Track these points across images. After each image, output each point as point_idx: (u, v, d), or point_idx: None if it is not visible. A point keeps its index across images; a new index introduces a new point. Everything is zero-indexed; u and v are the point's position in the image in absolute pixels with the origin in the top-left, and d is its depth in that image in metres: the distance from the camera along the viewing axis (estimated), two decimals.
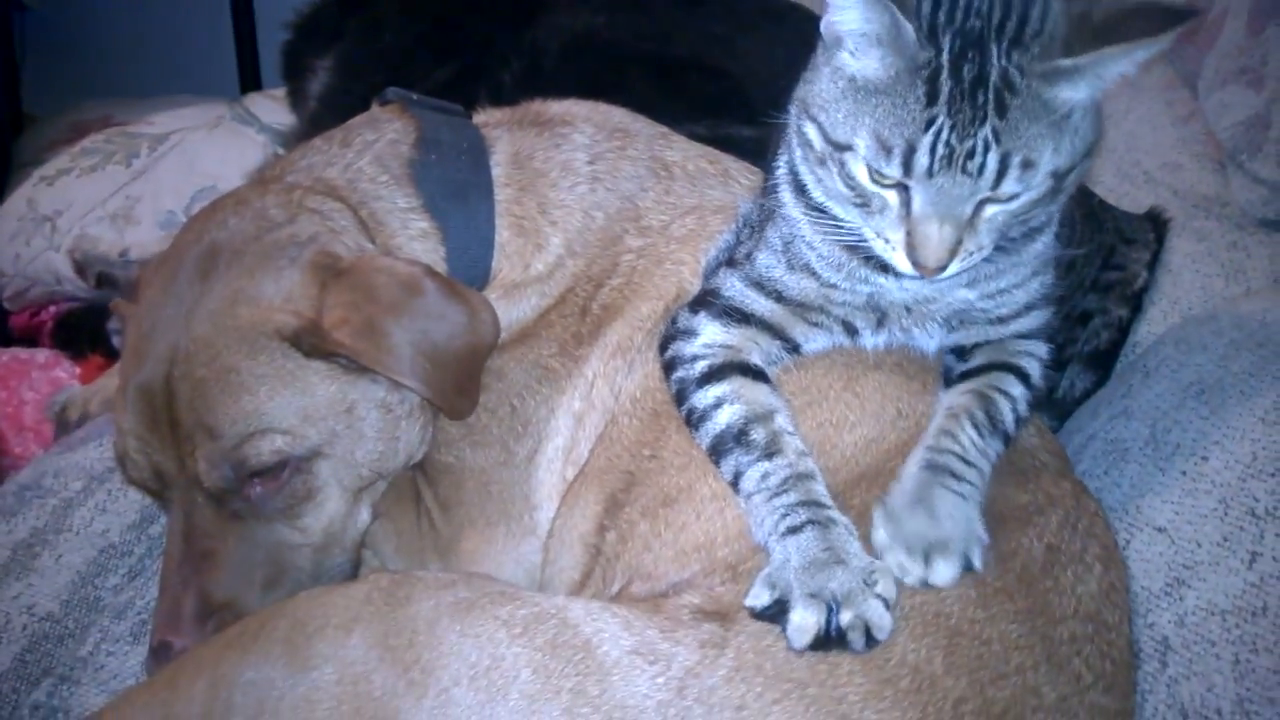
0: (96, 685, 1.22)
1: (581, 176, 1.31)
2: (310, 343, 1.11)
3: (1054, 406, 1.44)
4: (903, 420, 1.10)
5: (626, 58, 1.82)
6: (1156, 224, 1.53)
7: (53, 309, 2.36)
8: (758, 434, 1.05)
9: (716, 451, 1.07)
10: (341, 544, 1.20)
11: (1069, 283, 1.39)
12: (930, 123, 0.90)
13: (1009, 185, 0.92)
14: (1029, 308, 1.11)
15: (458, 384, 1.17)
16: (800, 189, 1.06)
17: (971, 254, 0.96)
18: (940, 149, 0.90)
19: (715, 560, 1.05)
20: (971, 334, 1.12)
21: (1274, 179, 1.43)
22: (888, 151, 0.92)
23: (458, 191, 1.28)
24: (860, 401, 1.11)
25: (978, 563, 0.97)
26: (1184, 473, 1.11)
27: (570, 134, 1.35)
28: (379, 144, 1.30)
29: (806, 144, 1.00)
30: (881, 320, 1.10)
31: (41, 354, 2.14)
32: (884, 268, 1.03)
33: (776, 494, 1.00)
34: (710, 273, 1.20)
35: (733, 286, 1.13)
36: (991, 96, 0.90)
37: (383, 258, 1.18)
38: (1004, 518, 1.03)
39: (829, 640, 0.91)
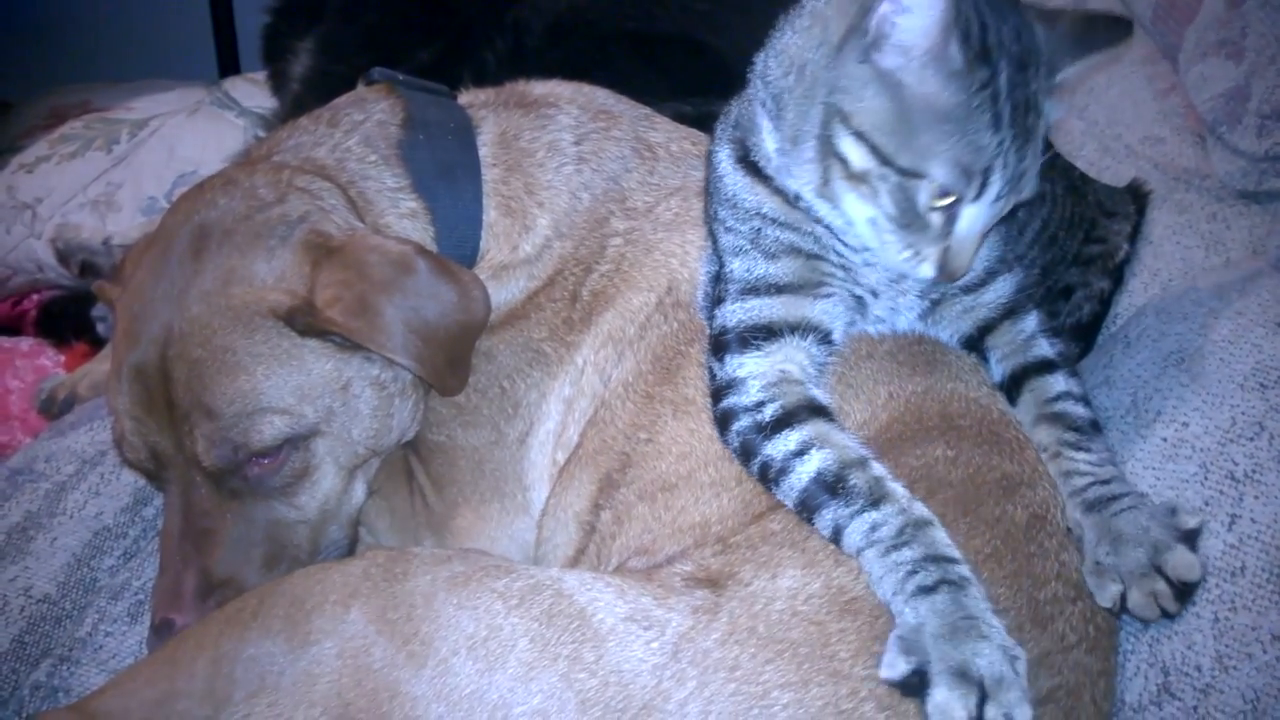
0: (96, 665, 1.23)
1: (568, 157, 1.31)
2: (304, 321, 1.12)
3: None
4: (893, 401, 1.12)
5: (610, 35, 1.82)
6: (1137, 197, 1.54)
7: (36, 297, 2.34)
8: (856, 480, 0.96)
9: (808, 506, 0.98)
10: (338, 521, 1.20)
11: (1051, 256, 1.41)
12: (999, 147, 0.90)
13: (1026, 195, 0.95)
14: (991, 273, 1.12)
15: (449, 361, 1.18)
16: (755, 170, 1.04)
17: (981, 257, 1.00)
18: (1009, 173, 0.91)
19: (709, 535, 1.07)
20: (952, 307, 1.13)
21: (1253, 151, 1.44)
22: (968, 178, 0.91)
23: (446, 171, 1.28)
24: (854, 391, 1.13)
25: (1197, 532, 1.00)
26: (1165, 439, 1.13)
27: (556, 115, 1.35)
28: (367, 124, 1.30)
29: (839, 159, 0.94)
30: (874, 291, 1.10)
31: (25, 342, 2.11)
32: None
33: (894, 547, 0.92)
34: (707, 309, 1.17)
35: (732, 314, 1.08)
36: (1031, 119, 0.92)
37: (374, 236, 1.18)
38: (990, 485, 1.04)
39: None
